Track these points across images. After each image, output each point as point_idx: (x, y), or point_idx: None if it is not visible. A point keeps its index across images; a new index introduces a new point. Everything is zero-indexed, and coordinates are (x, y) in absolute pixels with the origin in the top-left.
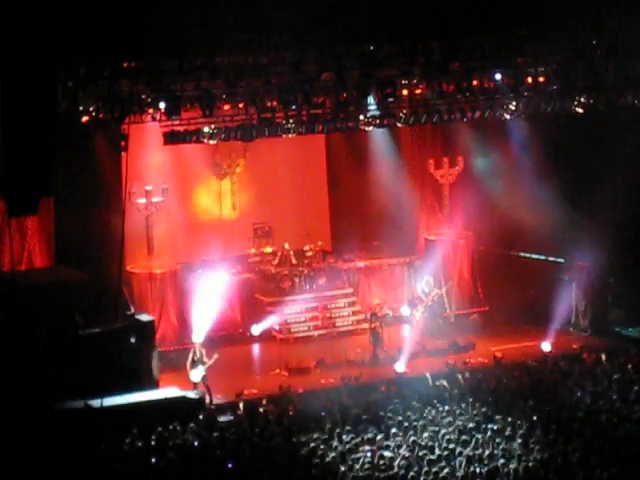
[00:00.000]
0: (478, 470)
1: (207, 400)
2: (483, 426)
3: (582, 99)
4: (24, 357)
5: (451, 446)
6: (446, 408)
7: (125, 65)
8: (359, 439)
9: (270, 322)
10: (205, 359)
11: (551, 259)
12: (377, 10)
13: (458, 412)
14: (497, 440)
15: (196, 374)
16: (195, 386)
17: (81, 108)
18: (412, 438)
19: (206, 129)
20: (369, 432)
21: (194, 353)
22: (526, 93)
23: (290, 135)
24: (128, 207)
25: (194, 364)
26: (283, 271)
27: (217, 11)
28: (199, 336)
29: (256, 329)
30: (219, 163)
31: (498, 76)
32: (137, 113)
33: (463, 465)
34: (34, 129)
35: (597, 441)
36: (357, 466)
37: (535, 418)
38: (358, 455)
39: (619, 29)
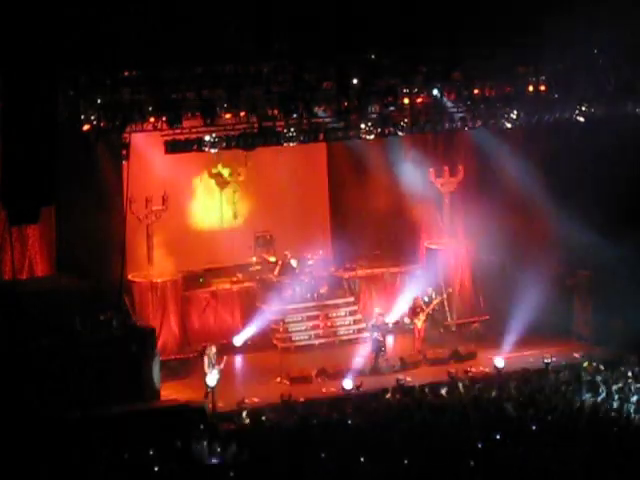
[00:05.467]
0: None
1: (210, 407)
2: None
3: (583, 108)
4: (25, 365)
5: None
6: None
7: (126, 74)
8: None
9: (251, 332)
10: (216, 363)
11: (552, 268)
12: (378, 19)
13: None
14: None
15: (212, 378)
16: (208, 392)
17: (82, 117)
18: None
19: (207, 138)
20: None
21: (209, 358)
22: (527, 102)
23: (291, 144)
24: (129, 216)
25: (209, 369)
26: (284, 280)
27: (218, 20)
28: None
29: (238, 340)
30: (220, 172)
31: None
32: (138, 122)
33: None
34: (35, 138)
35: (598, 450)
36: None
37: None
38: None
39: (619, 38)
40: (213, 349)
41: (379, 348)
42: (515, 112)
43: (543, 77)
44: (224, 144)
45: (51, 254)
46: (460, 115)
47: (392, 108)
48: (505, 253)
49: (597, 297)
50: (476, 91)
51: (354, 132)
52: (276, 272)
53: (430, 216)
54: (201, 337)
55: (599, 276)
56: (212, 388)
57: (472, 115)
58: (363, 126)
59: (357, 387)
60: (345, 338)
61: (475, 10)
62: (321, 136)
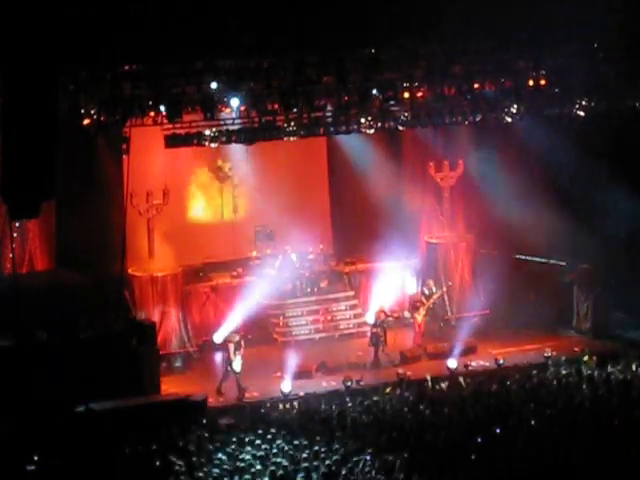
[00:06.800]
0: None
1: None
2: None
3: (583, 102)
4: (25, 360)
5: None
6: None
7: (126, 68)
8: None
9: (228, 328)
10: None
11: (552, 262)
12: (378, 13)
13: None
14: None
15: (237, 364)
16: (235, 376)
17: (82, 111)
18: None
19: (207, 132)
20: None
21: (234, 345)
22: (527, 96)
23: (291, 138)
24: (129, 210)
25: (234, 355)
26: (284, 274)
27: (218, 14)
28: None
29: (218, 337)
30: (220, 166)
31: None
32: (138, 116)
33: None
34: (35, 132)
35: (598, 444)
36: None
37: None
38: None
39: (620, 31)
40: (236, 336)
41: (379, 342)
42: (515, 106)
43: (543, 71)
44: (224, 138)
45: (51, 248)
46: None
47: (392, 102)
48: (505, 247)
49: (597, 291)
50: (476, 86)
51: (354, 127)
52: (276, 266)
53: (430, 210)
54: (201, 331)
55: (599, 270)
56: (238, 374)
57: (472, 109)
58: (363, 120)
59: (357, 381)
60: (345, 332)
61: (475, 5)
62: (321, 130)
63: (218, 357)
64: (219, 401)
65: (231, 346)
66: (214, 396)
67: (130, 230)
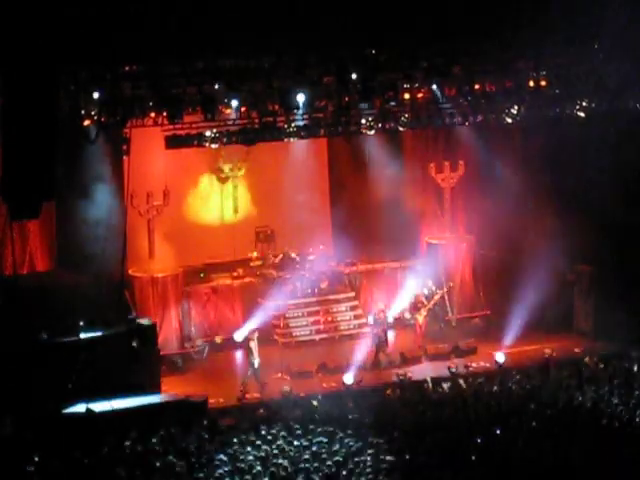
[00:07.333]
0: None
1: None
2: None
3: (584, 103)
4: (25, 360)
5: None
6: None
7: (127, 69)
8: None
9: (250, 328)
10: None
11: (553, 263)
12: (378, 14)
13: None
14: None
15: (257, 361)
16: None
17: (83, 112)
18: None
19: (208, 133)
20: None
21: (254, 342)
22: (528, 97)
23: (292, 139)
24: (130, 210)
25: (256, 352)
26: (285, 275)
27: (219, 15)
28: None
29: (238, 335)
30: (221, 167)
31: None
32: (139, 117)
33: None
34: (35, 132)
35: (598, 445)
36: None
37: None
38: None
39: (620, 32)
40: (256, 333)
41: (380, 343)
42: (516, 107)
43: (544, 72)
44: (225, 139)
45: (51, 249)
46: (456, 111)
47: (393, 103)
48: (506, 248)
49: (598, 291)
50: (477, 86)
51: (354, 127)
52: (277, 267)
53: (431, 211)
54: (202, 332)
55: (600, 270)
56: (257, 370)
57: (473, 110)
58: (364, 121)
59: (358, 382)
60: (346, 333)
61: (476, 5)
62: (322, 131)
63: (219, 358)
64: (219, 402)
65: (252, 344)
66: (214, 396)
67: (130, 231)
